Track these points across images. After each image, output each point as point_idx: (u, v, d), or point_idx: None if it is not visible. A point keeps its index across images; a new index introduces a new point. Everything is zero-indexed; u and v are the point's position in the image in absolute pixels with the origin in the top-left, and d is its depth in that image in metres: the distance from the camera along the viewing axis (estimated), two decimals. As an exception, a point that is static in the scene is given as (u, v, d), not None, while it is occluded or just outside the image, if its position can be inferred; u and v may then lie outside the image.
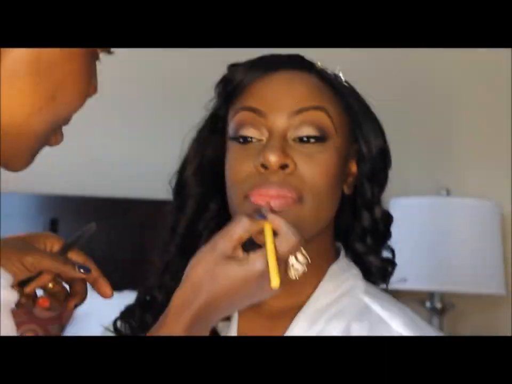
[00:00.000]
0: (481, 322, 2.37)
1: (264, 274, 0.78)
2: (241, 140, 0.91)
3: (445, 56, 2.39)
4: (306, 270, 0.82)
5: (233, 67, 0.97)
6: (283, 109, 0.90)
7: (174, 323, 0.79)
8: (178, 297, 0.81)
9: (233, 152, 0.92)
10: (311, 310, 0.91)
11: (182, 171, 0.99)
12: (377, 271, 0.98)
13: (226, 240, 0.80)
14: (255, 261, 0.79)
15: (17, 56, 0.61)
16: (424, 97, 2.46)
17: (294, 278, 0.82)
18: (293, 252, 0.81)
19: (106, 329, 0.99)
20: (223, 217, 0.95)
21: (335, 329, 0.89)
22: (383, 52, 2.43)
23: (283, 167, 0.88)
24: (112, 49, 0.70)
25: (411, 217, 2.16)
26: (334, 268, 0.93)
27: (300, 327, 0.90)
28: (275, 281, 0.78)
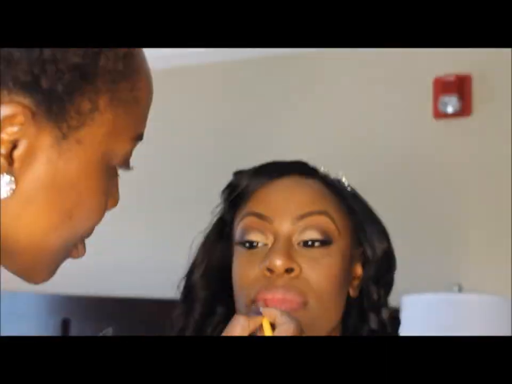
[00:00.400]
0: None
1: None
2: (247, 245, 0.93)
3: (452, 151, 2.42)
4: None
5: (238, 174, 1.01)
6: (288, 214, 0.92)
7: None
8: None
9: (240, 257, 0.94)
10: None
11: (189, 275, 1.00)
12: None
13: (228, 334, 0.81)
14: None
15: (33, 176, 0.62)
16: (433, 193, 2.47)
17: None
18: None
19: None
20: None
21: None
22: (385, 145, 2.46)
23: (288, 271, 0.89)
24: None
25: (422, 314, 2.13)
26: None
27: None
28: None
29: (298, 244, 0.92)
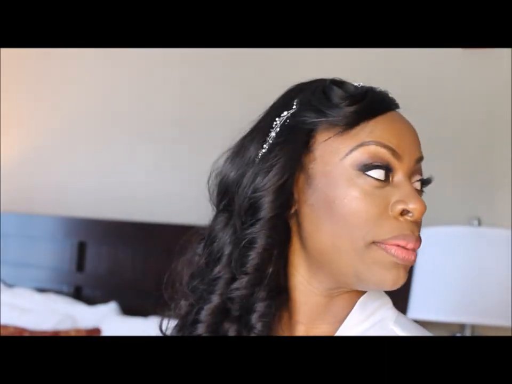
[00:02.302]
0: None
1: None
2: (375, 177, 0.83)
3: (486, 81, 2.37)
4: None
5: (358, 87, 0.88)
6: (413, 154, 0.86)
7: None
8: None
9: (361, 188, 0.83)
10: None
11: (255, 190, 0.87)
12: None
13: None
14: None
15: None
16: (456, 127, 2.43)
17: None
18: None
19: None
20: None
21: None
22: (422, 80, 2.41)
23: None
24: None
25: (442, 247, 2.12)
26: (364, 298, 0.91)
27: None
28: None
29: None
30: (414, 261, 0.83)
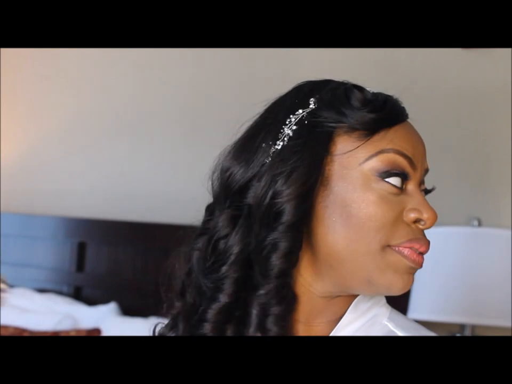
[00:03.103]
0: None
1: None
2: (394, 184, 0.85)
3: (478, 81, 2.37)
4: None
5: (377, 94, 0.89)
6: (423, 165, 0.88)
7: None
8: None
9: (380, 194, 0.84)
10: None
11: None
12: None
13: None
14: None
15: None
16: (455, 127, 2.43)
17: None
18: None
19: None
20: None
21: None
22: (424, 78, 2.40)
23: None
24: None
25: (442, 247, 2.12)
26: (360, 297, 0.91)
27: None
28: None
29: None
30: (422, 265, 0.85)
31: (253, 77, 2.78)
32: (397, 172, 0.84)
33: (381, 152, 0.85)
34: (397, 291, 0.85)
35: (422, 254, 0.85)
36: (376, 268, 0.83)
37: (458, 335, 2.17)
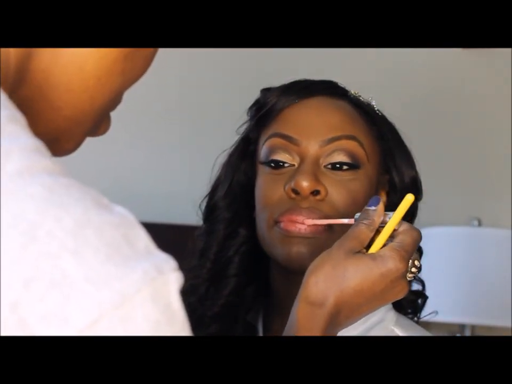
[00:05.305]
0: None
1: (399, 273, 0.72)
2: (272, 165, 0.91)
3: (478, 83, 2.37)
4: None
5: (266, 91, 0.98)
6: (315, 136, 0.89)
7: (307, 331, 0.75)
8: (303, 301, 0.73)
9: (264, 177, 0.91)
10: None
11: (212, 195, 0.98)
12: (407, 304, 0.96)
13: (353, 238, 0.74)
14: (390, 256, 0.72)
15: None
16: (455, 127, 2.43)
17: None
18: (416, 247, 0.75)
19: None
20: (254, 243, 0.93)
21: None
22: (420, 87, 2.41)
23: (314, 193, 0.86)
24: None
25: (442, 247, 2.12)
26: None
27: None
28: None
29: (325, 166, 0.89)
30: (311, 232, 0.85)
31: (254, 77, 2.78)
32: (272, 152, 0.90)
33: (264, 142, 0.93)
34: (288, 261, 0.87)
35: (303, 222, 0.85)
36: (270, 244, 0.89)
37: (458, 335, 2.17)
